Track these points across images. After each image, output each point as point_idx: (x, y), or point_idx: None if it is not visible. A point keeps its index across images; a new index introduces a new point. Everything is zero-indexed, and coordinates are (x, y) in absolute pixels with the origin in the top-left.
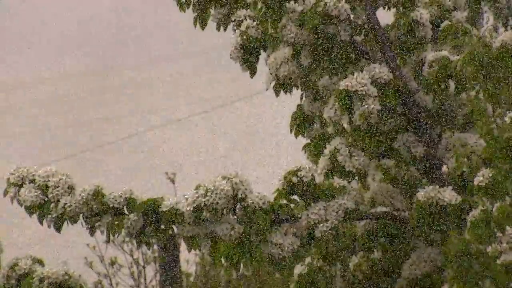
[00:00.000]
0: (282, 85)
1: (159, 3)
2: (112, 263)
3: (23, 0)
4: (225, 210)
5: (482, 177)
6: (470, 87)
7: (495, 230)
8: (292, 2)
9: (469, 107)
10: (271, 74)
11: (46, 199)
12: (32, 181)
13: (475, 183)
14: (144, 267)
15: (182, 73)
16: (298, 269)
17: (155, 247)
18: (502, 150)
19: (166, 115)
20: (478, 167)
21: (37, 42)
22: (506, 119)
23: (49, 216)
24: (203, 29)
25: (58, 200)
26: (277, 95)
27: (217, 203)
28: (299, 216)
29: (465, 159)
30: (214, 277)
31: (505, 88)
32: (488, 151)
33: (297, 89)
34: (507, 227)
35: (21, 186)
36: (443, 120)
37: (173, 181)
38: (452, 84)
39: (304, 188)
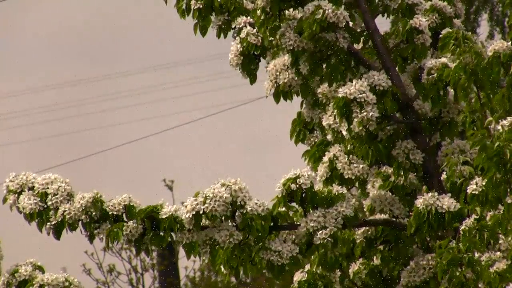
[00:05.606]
0: (281, 92)
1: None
2: (110, 270)
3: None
4: (224, 217)
5: (475, 185)
6: (461, 96)
7: (489, 238)
8: (291, 9)
9: (462, 116)
10: (270, 81)
11: (46, 206)
12: (31, 188)
13: (468, 191)
14: (142, 274)
15: (182, 80)
16: (298, 276)
17: (153, 254)
18: (493, 158)
19: (164, 122)
20: (472, 175)
21: (33, 50)
22: (499, 127)
23: (48, 223)
24: (203, 36)
25: (58, 208)
26: (277, 102)
27: (216, 210)
28: (298, 223)
29: (458, 168)
30: (215, 283)
31: (496, 97)
32: (479, 160)
33: (297, 96)
34: (500, 236)
35: (20, 193)
36: (442, 127)
37: (170, 188)
38: (451, 91)
39: (303, 195)
